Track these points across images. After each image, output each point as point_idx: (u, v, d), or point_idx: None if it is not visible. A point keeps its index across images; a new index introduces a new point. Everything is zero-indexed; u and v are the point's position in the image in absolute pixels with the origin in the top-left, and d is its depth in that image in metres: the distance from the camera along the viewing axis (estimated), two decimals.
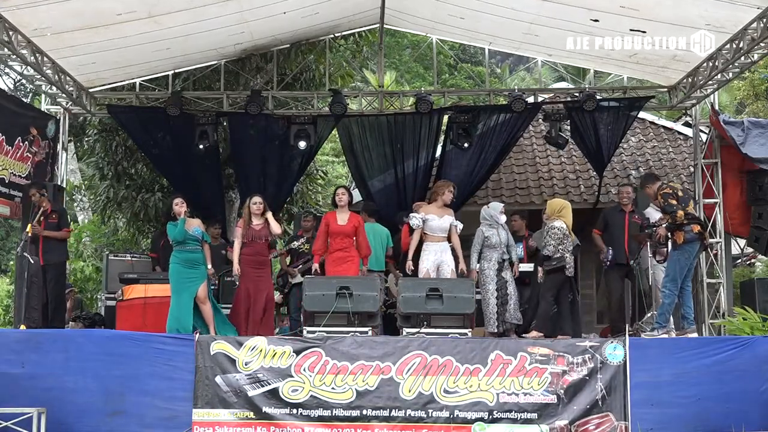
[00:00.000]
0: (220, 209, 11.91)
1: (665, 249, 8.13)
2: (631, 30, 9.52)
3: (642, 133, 14.54)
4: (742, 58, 9.55)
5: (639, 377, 6.97)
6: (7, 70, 11.71)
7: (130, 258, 10.68)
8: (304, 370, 7.07)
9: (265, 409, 7.02)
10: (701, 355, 7.06)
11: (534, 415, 6.96)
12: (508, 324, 8.31)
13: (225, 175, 12.49)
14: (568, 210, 8.42)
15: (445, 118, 11.97)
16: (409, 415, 6.99)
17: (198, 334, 7.39)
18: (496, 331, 8.22)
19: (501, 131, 11.61)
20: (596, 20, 9.49)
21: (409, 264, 8.36)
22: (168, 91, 11.67)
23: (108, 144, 13.25)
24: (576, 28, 9.87)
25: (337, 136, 12.57)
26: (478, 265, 8.41)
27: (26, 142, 10.21)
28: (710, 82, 10.54)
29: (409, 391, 7.03)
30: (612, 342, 7.13)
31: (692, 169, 11.87)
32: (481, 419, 6.94)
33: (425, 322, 7.54)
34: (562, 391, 6.99)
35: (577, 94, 11.67)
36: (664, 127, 14.84)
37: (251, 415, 7.02)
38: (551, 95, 12.18)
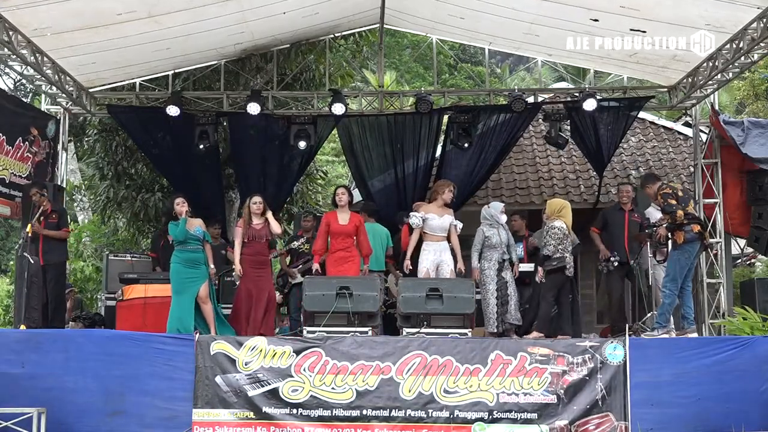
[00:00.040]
0: (220, 209, 11.90)
1: (665, 249, 8.14)
2: (631, 30, 9.52)
3: (642, 133, 14.54)
4: (742, 58, 9.55)
5: (639, 377, 6.97)
6: (7, 70, 11.69)
7: (130, 258, 10.67)
8: (304, 370, 7.07)
9: (265, 409, 7.02)
10: (701, 355, 7.06)
11: (534, 415, 6.96)
12: (508, 324, 8.31)
13: (225, 175, 12.49)
14: (568, 210, 8.41)
15: (445, 118, 11.97)
16: (409, 415, 6.99)
17: (198, 334, 7.39)
18: (496, 331, 8.20)
19: (501, 131, 11.61)
20: (596, 20, 9.48)
21: (407, 263, 8.36)
22: (168, 91, 11.67)
23: (108, 144, 13.25)
24: (576, 28, 9.87)
25: (337, 136, 12.58)
26: (478, 265, 8.41)
27: (26, 142, 10.22)
28: (710, 82, 10.54)
29: (409, 391, 7.03)
30: (612, 342, 7.13)
31: (692, 169, 11.87)
32: (481, 419, 6.94)
33: (425, 322, 7.54)
34: (562, 391, 6.99)
35: (577, 94, 11.67)
36: (664, 127, 14.84)
37: (251, 415, 7.02)
38: (551, 95, 12.18)
